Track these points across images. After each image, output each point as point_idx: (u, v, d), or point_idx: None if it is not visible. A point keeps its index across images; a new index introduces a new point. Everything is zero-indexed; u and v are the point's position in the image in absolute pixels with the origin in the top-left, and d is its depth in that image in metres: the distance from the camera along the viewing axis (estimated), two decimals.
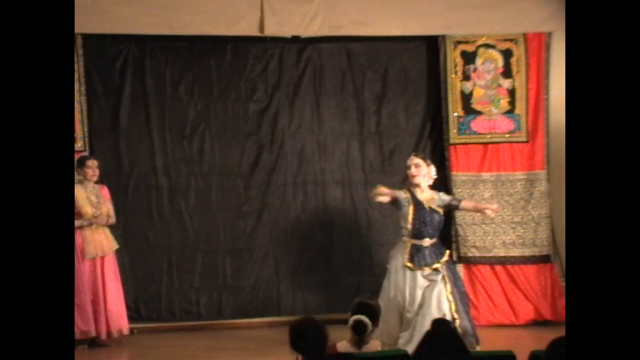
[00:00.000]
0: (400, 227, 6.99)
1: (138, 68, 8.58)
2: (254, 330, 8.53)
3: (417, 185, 6.97)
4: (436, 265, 6.77)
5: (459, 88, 8.71)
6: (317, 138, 8.86)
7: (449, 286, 6.69)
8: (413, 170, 6.96)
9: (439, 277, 6.72)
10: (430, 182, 7.05)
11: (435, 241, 6.90)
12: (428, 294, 6.66)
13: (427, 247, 6.81)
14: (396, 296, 6.74)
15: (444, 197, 7.09)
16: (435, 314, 6.45)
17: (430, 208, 6.92)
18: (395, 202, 6.98)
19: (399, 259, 6.82)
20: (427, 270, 6.75)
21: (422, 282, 6.74)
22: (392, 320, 6.69)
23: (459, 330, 6.41)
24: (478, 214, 7.89)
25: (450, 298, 6.65)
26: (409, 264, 6.77)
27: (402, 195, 6.95)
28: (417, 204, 6.90)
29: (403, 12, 8.59)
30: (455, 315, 6.60)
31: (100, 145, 8.45)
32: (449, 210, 7.39)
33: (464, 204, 7.27)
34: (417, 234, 6.85)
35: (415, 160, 7.00)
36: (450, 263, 7.05)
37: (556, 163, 8.41)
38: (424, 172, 6.97)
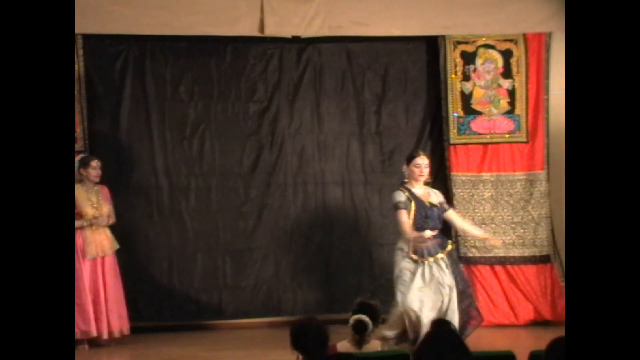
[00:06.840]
0: None
1: (138, 68, 8.58)
2: (254, 330, 8.53)
3: (416, 182, 7.07)
4: (440, 256, 6.87)
5: (459, 88, 8.71)
6: (317, 138, 8.86)
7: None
8: (424, 171, 7.05)
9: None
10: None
11: (437, 233, 7.01)
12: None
13: (429, 239, 6.90)
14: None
15: (440, 199, 7.16)
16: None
17: (429, 202, 7.03)
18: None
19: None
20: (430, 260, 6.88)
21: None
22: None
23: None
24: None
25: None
26: (413, 256, 6.85)
27: (403, 198, 7.01)
28: (417, 200, 6.99)
29: (403, 13, 8.59)
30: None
31: (100, 145, 8.45)
32: None
33: (448, 215, 7.20)
34: (419, 228, 6.93)
35: (426, 160, 7.08)
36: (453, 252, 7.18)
37: (556, 163, 8.40)
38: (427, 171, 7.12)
